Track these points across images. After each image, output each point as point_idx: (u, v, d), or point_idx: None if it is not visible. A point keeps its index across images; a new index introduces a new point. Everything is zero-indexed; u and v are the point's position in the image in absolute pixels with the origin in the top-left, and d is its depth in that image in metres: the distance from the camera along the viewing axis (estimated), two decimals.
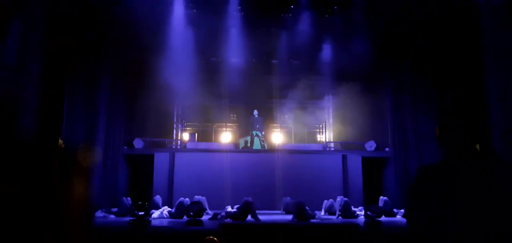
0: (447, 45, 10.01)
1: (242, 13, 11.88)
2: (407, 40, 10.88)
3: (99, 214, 9.03)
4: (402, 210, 9.61)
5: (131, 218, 7.45)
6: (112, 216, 9.16)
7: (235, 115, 14.00)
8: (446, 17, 9.65)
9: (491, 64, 7.09)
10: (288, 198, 10.08)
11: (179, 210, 8.81)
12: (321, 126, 14.14)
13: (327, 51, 12.58)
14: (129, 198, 9.54)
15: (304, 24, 12.02)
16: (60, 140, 8.55)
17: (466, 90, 9.44)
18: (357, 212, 9.12)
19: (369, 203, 8.82)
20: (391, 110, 11.53)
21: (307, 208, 8.39)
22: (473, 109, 9.16)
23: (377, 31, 11.25)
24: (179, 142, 13.04)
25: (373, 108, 12.15)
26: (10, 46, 7.59)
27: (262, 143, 12.35)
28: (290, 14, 12.11)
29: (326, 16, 11.93)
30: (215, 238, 4.12)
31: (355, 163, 11.45)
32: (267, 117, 13.58)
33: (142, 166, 11.41)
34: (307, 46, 12.17)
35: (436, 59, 10.40)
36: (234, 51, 12.16)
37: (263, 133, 12.48)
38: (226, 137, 13.03)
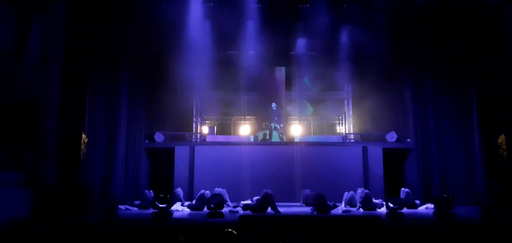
0: (471, 35, 9.74)
1: (259, 5, 11.82)
2: (429, 29, 10.62)
3: (122, 207, 9.21)
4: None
5: (154, 211, 7.57)
6: (135, 209, 9.34)
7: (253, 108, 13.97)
8: (470, 7, 9.39)
9: None
10: (308, 190, 10.04)
11: (200, 202, 8.92)
12: (340, 117, 14.01)
13: (346, 42, 12.39)
14: (151, 191, 9.70)
15: (323, 14, 11.86)
16: (83, 134, 8.75)
17: (492, 77, 9.19)
18: (378, 204, 9.03)
19: (390, 195, 8.69)
20: (412, 101, 11.29)
21: (327, 200, 8.35)
22: (496, 100, 8.93)
23: (397, 20, 11.02)
24: (198, 135, 13.16)
25: (394, 99, 11.94)
26: (32, 44, 7.79)
27: (281, 135, 12.32)
28: (308, 5, 11.96)
29: (345, 5, 11.74)
30: (234, 231, 4.16)
31: (376, 154, 11.31)
32: (286, 110, 13.54)
33: (163, 159, 11.57)
34: (325, 37, 12.02)
35: (459, 48, 10.12)
36: (252, 43, 12.13)
37: (281, 125, 12.45)
38: (245, 129, 13.07)
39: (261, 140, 12.48)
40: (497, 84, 9.04)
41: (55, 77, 8.05)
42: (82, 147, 8.66)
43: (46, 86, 7.86)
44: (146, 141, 11.64)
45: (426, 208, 9.29)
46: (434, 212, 7.68)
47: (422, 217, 7.86)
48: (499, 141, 8.74)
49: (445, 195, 7.88)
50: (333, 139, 12.65)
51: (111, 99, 10.04)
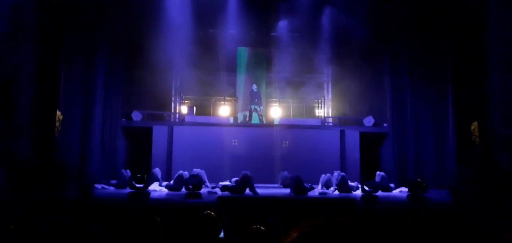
0: (449, 22, 9.90)
1: None
2: (410, 16, 10.73)
3: (98, 186, 9.08)
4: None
5: (131, 190, 7.50)
6: (111, 188, 9.23)
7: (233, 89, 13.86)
8: None
9: (493, 48, 7.08)
10: (286, 172, 10.15)
11: (178, 183, 8.88)
12: (319, 100, 14.09)
13: (327, 25, 12.41)
14: (128, 171, 9.58)
15: None
16: (58, 112, 8.51)
17: (467, 67, 9.40)
18: (354, 187, 9.21)
19: (366, 178, 8.89)
20: (390, 86, 11.48)
21: (304, 182, 8.47)
22: (473, 86, 9.15)
23: (378, 5, 11.08)
24: (177, 115, 13.01)
25: (373, 84, 12.08)
26: (3, 16, 7.44)
27: (260, 117, 12.33)
28: None
29: None
30: (212, 213, 4.16)
31: (353, 138, 11.48)
32: (266, 92, 13.51)
33: (141, 138, 11.39)
34: (306, 19, 12.00)
35: (437, 35, 10.29)
36: (233, 23, 11.99)
37: (261, 107, 12.45)
38: (224, 110, 13.00)
39: (240, 122, 12.47)
40: (471, 73, 9.26)
41: (29, 52, 7.75)
42: (57, 124, 8.44)
43: (19, 61, 7.56)
44: (124, 119, 11.43)
45: (400, 191, 9.54)
46: (408, 196, 7.90)
47: (396, 200, 8.08)
48: (472, 128, 9.00)
49: (419, 179, 8.11)
50: (312, 122, 12.74)
51: (87, 76, 9.79)
